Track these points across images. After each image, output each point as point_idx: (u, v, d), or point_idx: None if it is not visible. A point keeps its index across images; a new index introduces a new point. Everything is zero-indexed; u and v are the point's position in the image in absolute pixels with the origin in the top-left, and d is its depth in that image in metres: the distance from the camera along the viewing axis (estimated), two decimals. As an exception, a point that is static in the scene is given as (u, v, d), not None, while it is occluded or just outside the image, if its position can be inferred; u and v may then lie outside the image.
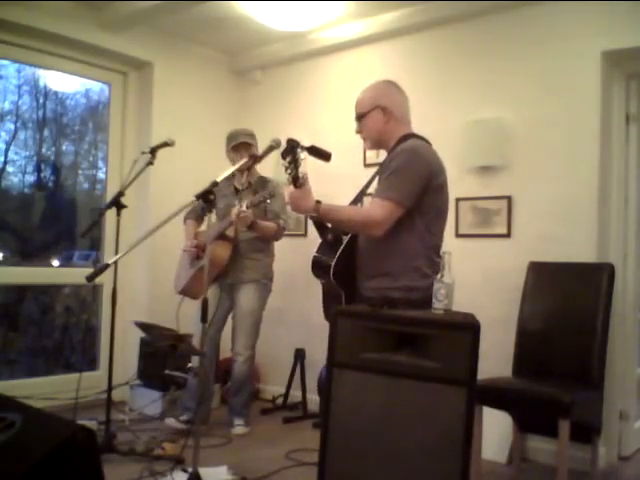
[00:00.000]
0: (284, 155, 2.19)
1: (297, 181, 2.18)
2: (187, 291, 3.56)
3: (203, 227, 3.82)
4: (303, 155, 2.21)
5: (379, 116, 2.33)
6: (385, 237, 2.20)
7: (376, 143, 2.42)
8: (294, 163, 2.18)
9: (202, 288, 3.54)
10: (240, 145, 3.60)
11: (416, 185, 2.17)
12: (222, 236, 3.46)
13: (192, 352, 3.34)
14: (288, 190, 2.23)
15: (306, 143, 2.27)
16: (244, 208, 3.28)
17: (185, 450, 2.84)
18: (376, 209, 2.18)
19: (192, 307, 3.48)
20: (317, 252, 2.41)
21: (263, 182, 3.70)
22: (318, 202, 2.19)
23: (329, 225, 2.38)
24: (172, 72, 4.47)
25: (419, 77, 3.88)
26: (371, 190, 2.46)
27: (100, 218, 3.53)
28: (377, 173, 2.40)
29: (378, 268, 2.26)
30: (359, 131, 2.42)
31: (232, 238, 3.51)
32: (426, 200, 2.20)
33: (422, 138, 2.35)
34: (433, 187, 2.21)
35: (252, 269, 3.61)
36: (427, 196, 2.20)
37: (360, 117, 2.39)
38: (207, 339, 3.54)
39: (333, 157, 2.41)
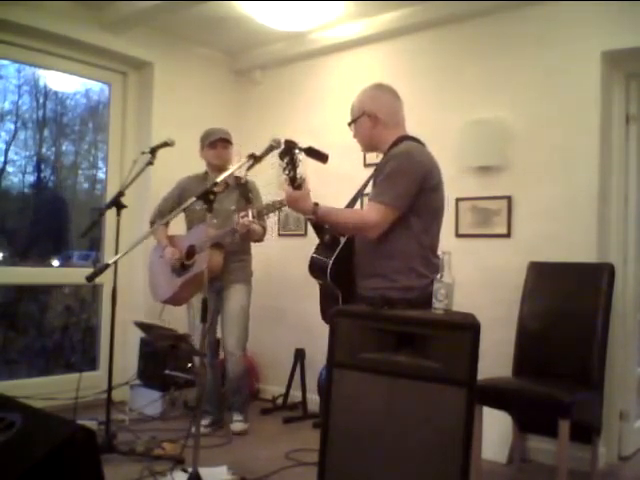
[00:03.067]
0: (282, 156, 2.22)
1: (295, 182, 2.20)
2: (173, 300, 3.55)
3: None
4: (301, 156, 2.23)
5: (366, 122, 2.37)
6: (382, 238, 2.22)
7: (368, 147, 2.47)
8: (292, 164, 2.20)
9: (189, 295, 3.55)
10: (218, 141, 3.60)
11: (410, 187, 2.19)
12: (216, 243, 3.43)
13: (192, 352, 3.35)
14: (286, 190, 2.24)
15: (304, 144, 2.29)
16: (250, 217, 3.19)
17: (185, 450, 2.85)
18: (370, 213, 2.21)
19: (179, 309, 3.48)
20: (315, 253, 2.42)
21: (239, 182, 3.63)
22: (316, 204, 2.21)
23: (326, 226, 2.39)
24: (172, 72, 4.46)
25: (419, 77, 3.88)
26: (368, 191, 2.47)
27: (100, 218, 3.52)
28: (373, 175, 2.42)
29: (375, 268, 2.27)
30: (354, 136, 2.48)
31: (224, 244, 3.47)
32: (421, 201, 2.22)
33: (416, 139, 2.37)
34: (428, 188, 2.23)
35: (239, 270, 3.62)
36: (422, 197, 2.22)
37: (351, 123, 2.44)
38: (207, 343, 3.56)
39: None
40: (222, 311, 3.64)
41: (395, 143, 2.33)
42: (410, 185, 2.19)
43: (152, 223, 3.71)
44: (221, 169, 3.57)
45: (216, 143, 3.61)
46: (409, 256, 2.23)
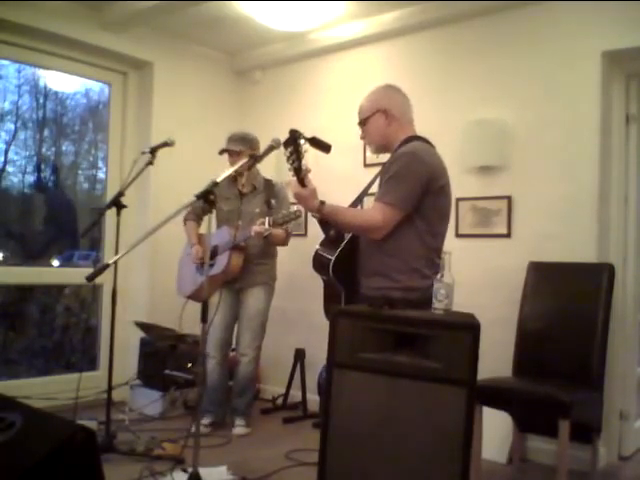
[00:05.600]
0: (286, 145, 2.19)
1: (300, 172, 2.18)
2: (195, 296, 3.57)
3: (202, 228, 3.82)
4: (305, 146, 2.22)
5: (381, 120, 2.34)
6: (386, 237, 2.21)
7: (380, 147, 2.42)
8: (296, 154, 2.18)
9: (210, 292, 3.58)
10: (228, 151, 3.61)
11: (415, 188, 2.17)
12: (237, 246, 3.48)
13: (194, 352, 3.35)
14: (293, 185, 2.22)
15: (308, 134, 2.27)
16: (266, 226, 3.23)
17: (185, 450, 2.85)
18: (375, 213, 2.20)
19: (195, 309, 3.48)
20: (319, 248, 2.41)
21: (268, 185, 3.69)
22: (322, 203, 2.21)
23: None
24: (172, 72, 4.47)
25: (419, 77, 3.88)
26: (372, 191, 2.46)
27: (100, 218, 3.52)
28: (379, 174, 2.40)
29: (378, 267, 2.26)
30: (363, 137, 2.44)
31: (244, 247, 3.53)
32: (427, 202, 2.20)
33: (425, 140, 2.35)
34: (434, 189, 2.21)
35: (261, 273, 3.65)
36: (428, 198, 2.20)
37: (363, 122, 2.40)
38: (220, 341, 3.64)
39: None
40: (240, 312, 3.67)
41: (404, 142, 2.31)
42: (415, 186, 2.17)
43: (185, 221, 3.79)
44: (247, 169, 3.57)
45: (228, 152, 3.62)
46: (412, 256, 2.22)
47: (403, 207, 2.17)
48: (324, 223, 2.40)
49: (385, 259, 2.23)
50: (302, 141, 2.20)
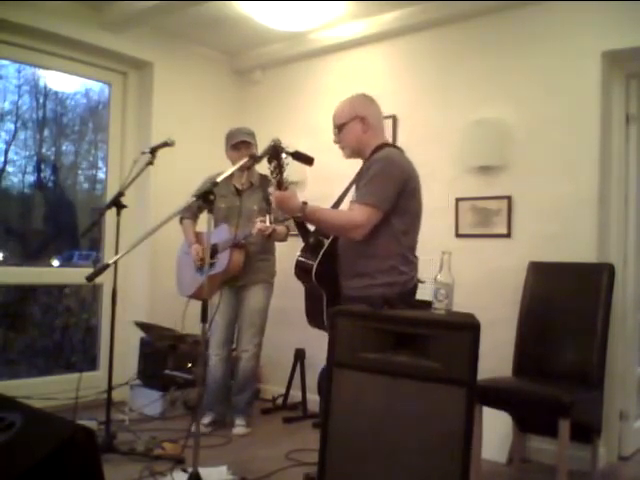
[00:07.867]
0: (269, 160, 2.30)
1: (281, 185, 2.30)
2: (197, 295, 3.57)
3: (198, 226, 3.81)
4: (288, 160, 2.32)
5: (358, 126, 2.46)
6: (364, 239, 2.31)
7: (354, 152, 2.53)
8: (279, 168, 2.30)
9: (212, 291, 3.58)
10: (240, 143, 3.60)
11: (392, 190, 2.30)
12: (236, 244, 3.48)
13: (194, 352, 3.35)
14: (274, 193, 2.32)
15: (290, 149, 2.39)
16: (268, 224, 3.24)
17: (185, 450, 2.85)
18: (357, 213, 2.31)
19: (196, 309, 3.48)
20: (300, 255, 2.49)
21: (264, 181, 3.70)
22: (304, 203, 2.29)
23: (311, 229, 2.47)
24: (172, 72, 4.47)
25: (419, 77, 3.88)
26: (349, 196, 2.55)
27: (100, 218, 3.52)
28: (354, 180, 2.51)
29: (357, 268, 2.37)
30: (337, 141, 2.54)
31: (245, 245, 3.54)
32: (401, 203, 2.33)
33: (395, 147, 2.51)
34: (408, 191, 2.34)
35: (262, 270, 3.66)
36: (402, 199, 2.33)
37: (339, 127, 2.50)
38: (223, 339, 3.66)
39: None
40: (240, 310, 3.67)
41: (377, 149, 2.43)
42: (392, 188, 2.30)
43: (181, 219, 3.78)
44: (246, 169, 3.58)
45: (238, 145, 3.61)
46: (390, 256, 2.33)
47: (382, 208, 2.29)
48: (303, 231, 2.50)
49: (364, 260, 2.35)
50: (284, 155, 2.29)
